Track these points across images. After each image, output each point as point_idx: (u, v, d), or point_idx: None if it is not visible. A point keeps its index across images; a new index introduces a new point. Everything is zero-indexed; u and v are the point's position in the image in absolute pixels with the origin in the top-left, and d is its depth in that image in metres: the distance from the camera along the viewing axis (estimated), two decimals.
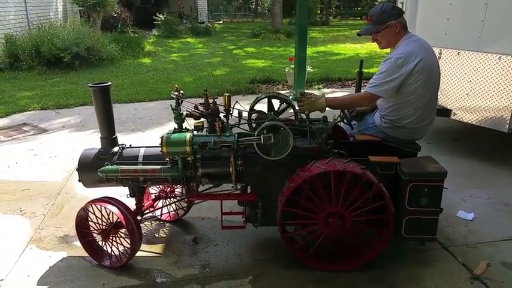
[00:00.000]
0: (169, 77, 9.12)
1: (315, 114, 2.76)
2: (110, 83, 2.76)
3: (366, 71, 4.43)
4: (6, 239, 3.02)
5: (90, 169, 2.71)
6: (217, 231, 3.01)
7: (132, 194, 2.83)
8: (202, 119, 2.63)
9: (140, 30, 15.76)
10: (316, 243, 2.55)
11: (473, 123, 4.06)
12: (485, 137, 4.79)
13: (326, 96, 2.83)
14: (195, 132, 2.59)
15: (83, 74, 9.09)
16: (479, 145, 4.68)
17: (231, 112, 2.67)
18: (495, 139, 4.65)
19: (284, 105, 2.90)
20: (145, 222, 3.18)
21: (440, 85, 4.16)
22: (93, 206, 2.65)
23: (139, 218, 2.81)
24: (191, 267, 2.67)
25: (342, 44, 14.70)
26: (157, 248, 2.90)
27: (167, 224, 3.19)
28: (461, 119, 4.16)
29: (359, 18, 30.89)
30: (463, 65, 4.01)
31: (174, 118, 2.59)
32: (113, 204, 2.61)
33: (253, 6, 35.12)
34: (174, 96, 2.53)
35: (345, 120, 2.95)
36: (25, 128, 5.72)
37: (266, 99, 2.89)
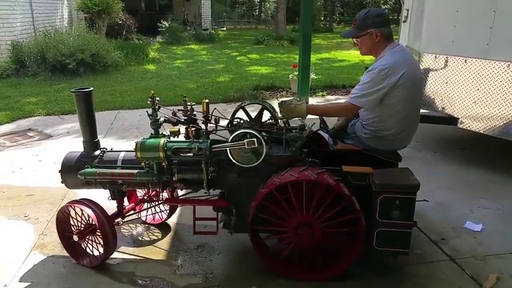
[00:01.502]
0: (173, 83, 9.13)
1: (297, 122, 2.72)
2: (91, 88, 2.86)
3: None
4: (10, 244, 3.01)
5: (72, 171, 2.78)
6: (221, 239, 2.98)
7: (112, 197, 2.88)
8: (179, 125, 2.68)
9: (145, 37, 15.82)
10: (285, 251, 2.55)
11: (481, 131, 4.03)
12: (494, 146, 4.75)
13: (309, 103, 2.80)
14: (172, 138, 2.64)
15: (88, 81, 9.11)
16: (487, 154, 4.64)
17: (210, 119, 2.68)
18: (503, 148, 4.60)
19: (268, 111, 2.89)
20: (146, 230, 3.17)
21: (447, 93, 4.19)
22: (71, 207, 2.72)
23: (120, 220, 2.88)
24: (194, 276, 2.64)
25: (346, 50, 14.70)
26: (159, 256, 2.88)
27: (169, 232, 3.17)
28: (468, 128, 4.12)
29: None
30: (470, 73, 3.98)
31: (150, 124, 2.65)
32: (89, 207, 2.66)
33: (257, 13, 35.28)
34: (149, 103, 2.59)
35: (325, 130, 2.90)
36: (30, 134, 5.73)
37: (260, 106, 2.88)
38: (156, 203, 3.18)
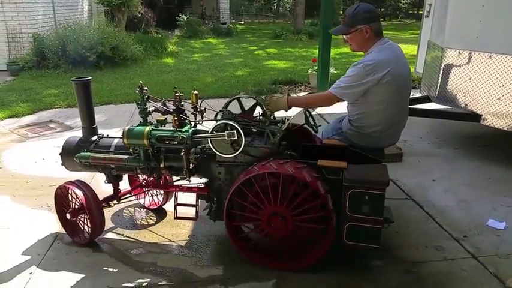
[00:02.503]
0: (191, 77, 9.17)
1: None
2: (90, 78, 3.07)
3: None
4: (34, 233, 3.08)
5: (70, 154, 2.98)
6: None
7: (108, 181, 3.06)
8: (168, 115, 2.81)
9: (163, 31, 15.91)
10: (257, 238, 2.65)
11: (505, 128, 3.94)
12: None
13: (291, 95, 2.83)
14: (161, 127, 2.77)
15: (108, 73, 9.21)
16: (510, 151, 4.55)
17: (199, 110, 2.76)
18: None
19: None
20: (163, 219, 3.21)
21: (470, 89, 4.11)
22: (65, 187, 2.89)
23: (115, 202, 3.09)
24: (214, 268, 2.67)
25: None
26: (180, 247, 2.91)
27: (190, 223, 3.19)
28: (492, 125, 4.04)
29: (382, 19, 30.48)
30: (495, 69, 3.90)
31: (139, 112, 2.81)
32: (79, 188, 2.83)
33: (275, 7, 35.08)
34: (137, 93, 2.73)
35: (312, 123, 2.89)
36: (51, 125, 5.84)
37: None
38: (146, 188, 3.34)
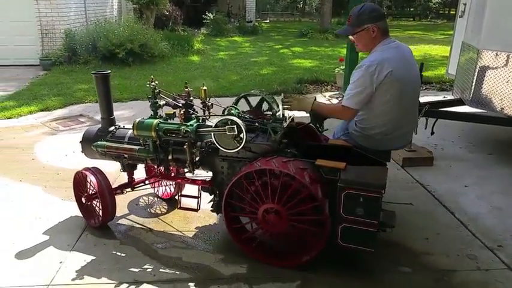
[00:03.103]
0: (216, 75, 9.20)
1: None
2: (109, 71, 3.23)
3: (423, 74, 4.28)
4: (64, 225, 3.15)
5: (89, 143, 3.17)
6: None
7: (123, 169, 3.20)
8: (177, 109, 2.89)
9: (189, 29, 16.03)
10: (253, 232, 2.71)
11: None
12: None
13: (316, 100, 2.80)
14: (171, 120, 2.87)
15: (136, 70, 9.34)
16: None
17: (208, 105, 2.88)
18: None
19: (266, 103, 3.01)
20: (193, 218, 3.23)
21: (507, 93, 3.96)
22: (82, 173, 3.04)
23: (129, 190, 3.22)
24: (239, 266, 2.66)
25: None
26: (205, 243, 2.91)
27: (214, 220, 3.20)
28: None
29: (411, 19, 29.93)
30: None
31: (150, 106, 2.93)
32: (94, 175, 2.97)
33: (301, 5, 34.90)
34: (149, 86, 2.86)
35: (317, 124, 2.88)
36: (81, 119, 5.95)
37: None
38: (156, 180, 3.44)
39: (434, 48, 13.44)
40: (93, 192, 3.02)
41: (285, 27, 22.45)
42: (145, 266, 2.65)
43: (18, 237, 2.96)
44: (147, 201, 3.56)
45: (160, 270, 2.61)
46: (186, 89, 2.93)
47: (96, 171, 3.02)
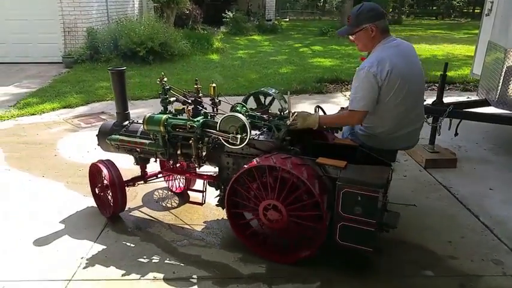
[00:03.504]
0: (235, 73, 9.20)
1: None
2: (124, 68, 3.33)
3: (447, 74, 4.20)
4: (85, 220, 3.19)
5: (105, 136, 3.26)
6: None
7: (136, 163, 3.30)
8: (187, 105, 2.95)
9: (209, 27, 16.09)
10: (254, 227, 2.76)
11: None
12: None
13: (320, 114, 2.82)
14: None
15: (156, 68, 9.41)
16: None
17: (217, 101, 2.98)
18: None
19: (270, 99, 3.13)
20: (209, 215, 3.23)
21: None
22: (96, 165, 3.14)
23: (142, 182, 3.34)
24: (257, 266, 2.65)
25: (416, 44, 13.96)
26: (224, 242, 2.91)
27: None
28: None
29: (434, 18, 29.40)
30: None
31: (160, 102, 3.02)
32: (106, 167, 3.07)
33: (321, 3, 34.64)
34: (158, 83, 2.97)
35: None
36: (103, 117, 6.03)
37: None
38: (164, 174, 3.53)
39: (457, 47, 13.17)
40: (105, 183, 3.11)
41: (304, 26, 22.33)
42: (165, 263, 2.66)
43: (40, 232, 3.01)
44: (160, 195, 3.64)
45: (179, 268, 2.62)
46: (196, 86, 3.01)
47: (109, 164, 3.11)
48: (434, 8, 32.61)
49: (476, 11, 29.02)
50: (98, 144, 3.41)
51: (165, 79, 2.97)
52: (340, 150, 2.68)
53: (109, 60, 9.72)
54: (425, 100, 4.20)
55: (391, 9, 23.44)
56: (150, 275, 2.54)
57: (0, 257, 2.72)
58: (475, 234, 3.04)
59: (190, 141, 2.81)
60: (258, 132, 2.76)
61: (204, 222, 3.18)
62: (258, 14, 20.69)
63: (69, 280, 2.50)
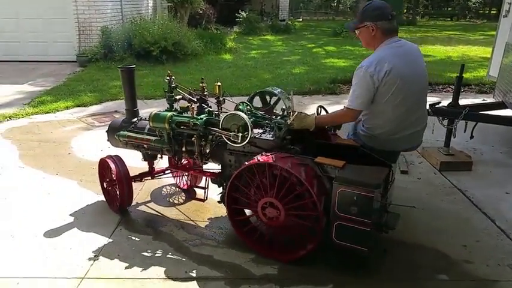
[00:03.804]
0: (248, 73, 9.20)
1: None
2: (134, 66, 3.41)
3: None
4: (99, 219, 3.21)
5: (114, 132, 3.35)
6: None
7: (144, 159, 3.38)
8: (191, 103, 3.03)
9: (222, 27, 16.12)
10: (253, 224, 2.80)
11: None
12: None
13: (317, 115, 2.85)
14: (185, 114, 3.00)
15: (169, 68, 9.34)
16: None
17: (221, 100, 3.02)
18: None
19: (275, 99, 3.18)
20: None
21: None
22: (105, 160, 3.23)
23: (149, 178, 3.43)
24: (270, 266, 2.63)
25: (431, 45, 13.87)
26: (235, 243, 2.88)
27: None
28: None
29: (449, 19, 29.07)
30: None
31: (166, 99, 3.09)
32: (114, 163, 3.15)
33: (335, 4, 34.49)
34: (166, 81, 3.03)
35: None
36: (116, 115, 6.06)
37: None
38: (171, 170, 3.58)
39: (473, 49, 12.99)
40: (113, 178, 3.18)
41: (318, 26, 22.26)
42: (177, 263, 2.66)
43: (53, 229, 3.04)
44: (168, 191, 3.70)
45: (192, 267, 2.62)
46: (201, 85, 3.05)
47: (117, 159, 3.20)
48: (449, 9, 32.25)
49: (492, 12, 28.63)
50: (108, 140, 3.50)
51: (172, 77, 3.03)
52: (343, 151, 2.69)
53: (123, 59, 9.77)
54: (439, 102, 4.22)
55: (405, 10, 23.23)
56: (163, 274, 2.54)
57: (15, 254, 2.75)
58: (491, 238, 2.99)
59: (193, 139, 2.87)
60: (260, 130, 2.79)
61: (216, 221, 3.18)
62: (272, 14, 20.69)
63: (82, 278, 2.52)
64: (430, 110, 4.20)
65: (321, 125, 2.77)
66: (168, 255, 2.74)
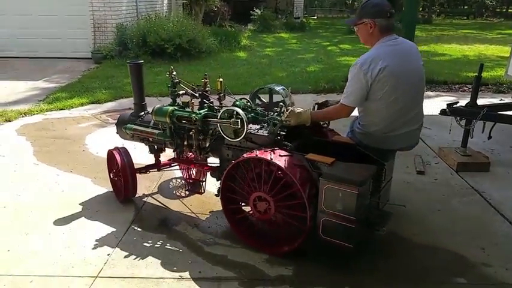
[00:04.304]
0: (263, 71, 9.16)
1: None
2: (142, 61, 3.55)
3: (476, 75, 4.06)
4: (113, 217, 3.21)
5: (122, 125, 3.48)
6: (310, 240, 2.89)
7: (150, 151, 3.49)
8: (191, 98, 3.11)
9: (237, 25, 16.10)
10: (246, 216, 2.86)
11: None
12: None
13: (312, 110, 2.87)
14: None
15: (184, 65, 9.45)
16: None
17: (223, 95, 3.05)
18: None
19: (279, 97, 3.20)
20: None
21: None
22: (111, 151, 3.37)
23: (155, 170, 3.52)
24: (284, 267, 2.60)
25: (447, 44, 13.65)
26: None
27: None
28: None
29: (465, 18, 28.59)
30: None
31: (169, 94, 3.18)
32: (119, 154, 3.28)
33: (350, 1, 34.20)
34: (168, 76, 3.14)
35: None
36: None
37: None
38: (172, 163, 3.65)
39: (490, 48, 12.75)
40: (118, 169, 3.29)
41: (333, 24, 22.09)
42: (191, 262, 2.65)
43: (67, 227, 3.05)
44: (175, 184, 3.78)
45: (206, 267, 2.60)
46: (203, 80, 3.13)
47: (122, 151, 3.31)
48: (466, 7, 31.71)
49: (510, 10, 28.10)
50: (117, 133, 3.65)
51: (174, 73, 3.14)
52: (339, 148, 2.72)
53: (137, 56, 9.77)
54: (457, 102, 4.13)
55: (421, 8, 22.94)
56: (176, 274, 2.53)
57: (28, 252, 2.76)
58: (510, 240, 2.92)
59: (191, 133, 2.97)
60: (258, 126, 2.84)
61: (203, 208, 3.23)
62: (286, 12, 20.59)
63: (96, 277, 2.51)
64: (447, 110, 4.14)
65: (316, 120, 2.83)
66: (181, 255, 2.73)
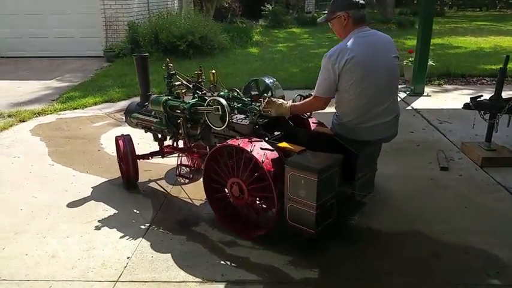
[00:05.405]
0: (276, 67, 9.04)
1: None
2: (147, 54, 3.85)
3: (493, 67, 3.90)
4: (131, 218, 3.15)
5: (129, 114, 3.72)
6: (328, 242, 2.79)
7: (154, 139, 3.68)
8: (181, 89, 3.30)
9: (248, 20, 15.98)
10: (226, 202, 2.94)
11: None
12: None
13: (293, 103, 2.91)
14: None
15: (196, 62, 9.35)
16: None
17: (215, 86, 3.20)
18: None
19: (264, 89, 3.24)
20: None
21: None
22: (116, 138, 3.61)
23: (160, 157, 3.72)
24: (309, 270, 2.51)
25: (461, 36, 13.36)
26: (273, 243, 2.76)
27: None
28: None
29: (478, 10, 28.03)
30: None
31: (166, 85, 3.36)
32: (123, 141, 3.51)
33: None
34: (164, 68, 3.32)
35: None
36: None
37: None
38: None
39: (506, 39, 12.46)
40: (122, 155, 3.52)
41: None
42: (213, 265, 2.57)
43: (85, 231, 2.98)
44: (181, 170, 3.77)
45: (228, 269, 2.52)
46: (197, 72, 3.31)
47: (125, 139, 3.54)
48: None
49: None
50: (125, 121, 3.90)
51: (170, 64, 3.32)
52: (321, 139, 2.83)
53: (150, 54, 9.65)
54: (481, 95, 3.98)
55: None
56: (198, 278, 2.45)
57: (47, 256, 2.70)
58: None
59: (179, 121, 3.14)
60: (243, 116, 2.92)
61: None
62: (297, 7, 20.40)
63: (116, 281, 2.44)
64: (471, 103, 4.01)
65: (296, 112, 2.87)
66: (203, 257, 2.65)
